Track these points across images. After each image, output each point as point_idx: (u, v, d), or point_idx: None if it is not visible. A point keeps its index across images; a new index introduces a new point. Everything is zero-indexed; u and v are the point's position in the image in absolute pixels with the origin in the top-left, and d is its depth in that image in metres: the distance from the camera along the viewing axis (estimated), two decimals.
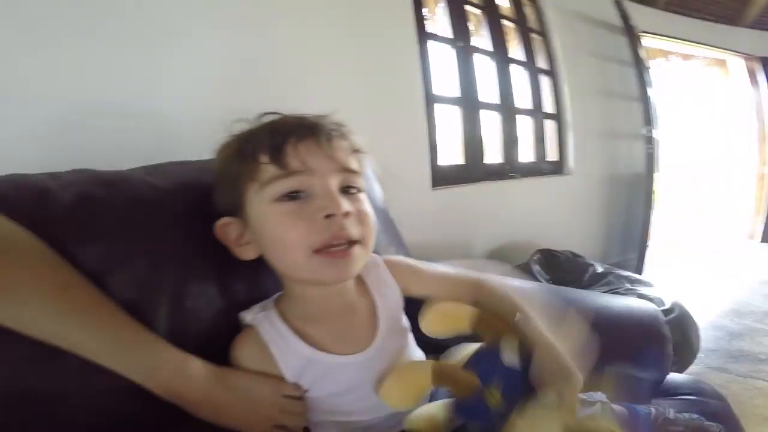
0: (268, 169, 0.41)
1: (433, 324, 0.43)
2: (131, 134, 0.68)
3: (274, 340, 0.44)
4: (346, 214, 0.41)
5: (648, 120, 1.95)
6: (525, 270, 1.41)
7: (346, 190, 0.44)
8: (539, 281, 1.40)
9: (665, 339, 0.65)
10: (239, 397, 0.42)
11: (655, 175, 1.98)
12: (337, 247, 0.41)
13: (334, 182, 0.42)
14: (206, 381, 0.40)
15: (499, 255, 1.49)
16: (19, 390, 0.37)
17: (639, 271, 1.88)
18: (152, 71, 0.73)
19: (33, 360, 0.37)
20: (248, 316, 0.46)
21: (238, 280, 0.49)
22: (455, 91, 1.42)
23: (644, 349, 0.63)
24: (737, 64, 3.08)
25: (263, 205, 0.42)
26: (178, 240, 0.46)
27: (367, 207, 0.45)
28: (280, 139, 0.42)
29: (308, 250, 0.40)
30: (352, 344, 0.46)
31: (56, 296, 0.36)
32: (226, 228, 0.45)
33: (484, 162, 1.49)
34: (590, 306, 0.66)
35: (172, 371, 0.39)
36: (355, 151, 0.46)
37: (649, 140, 1.95)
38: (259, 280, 0.50)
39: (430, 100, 1.30)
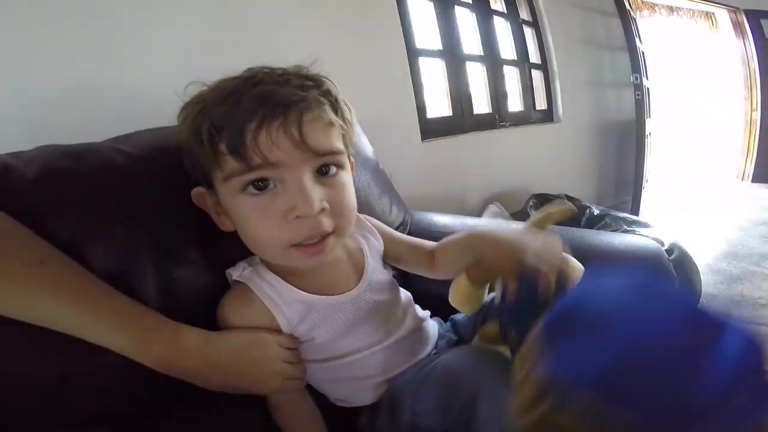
0: (229, 161, 0.37)
1: (456, 300, 0.49)
2: (105, 109, 0.67)
3: (266, 292, 0.43)
4: (321, 211, 0.39)
5: (635, 67, 1.95)
6: (522, 216, 1.43)
7: (324, 170, 0.40)
8: None
9: (671, 277, 0.60)
10: (241, 357, 0.40)
11: (647, 121, 1.99)
12: (311, 241, 0.39)
13: (307, 173, 0.38)
14: (203, 347, 0.38)
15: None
16: (10, 377, 0.35)
17: (635, 213, 1.90)
18: (119, 40, 0.71)
19: (21, 343, 0.34)
20: (235, 273, 0.45)
21: (224, 241, 0.45)
22: (438, 44, 1.42)
23: None
24: (723, 16, 3.06)
25: (230, 195, 0.39)
26: (155, 205, 0.44)
27: (346, 192, 0.42)
28: (239, 123, 0.36)
29: (281, 246, 0.39)
30: (344, 284, 0.47)
31: (28, 273, 0.33)
32: (203, 197, 0.43)
33: (473, 113, 1.49)
34: (592, 243, 0.65)
35: (166, 343, 0.37)
36: (335, 122, 0.40)
37: (638, 87, 1.95)
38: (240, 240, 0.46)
39: (413, 53, 1.30)
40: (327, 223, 0.39)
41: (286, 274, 0.45)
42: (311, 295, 0.44)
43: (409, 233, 0.75)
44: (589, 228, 1.53)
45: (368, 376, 0.46)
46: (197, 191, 0.43)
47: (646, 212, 2.03)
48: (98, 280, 0.36)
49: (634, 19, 2.12)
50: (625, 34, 1.96)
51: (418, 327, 0.51)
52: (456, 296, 0.50)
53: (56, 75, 0.65)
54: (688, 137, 3.71)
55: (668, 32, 3.27)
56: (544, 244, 0.41)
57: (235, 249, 0.45)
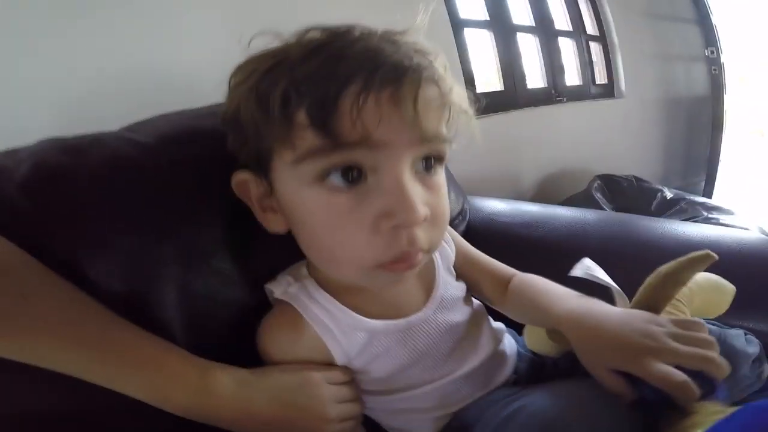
0: (308, 136, 0.27)
1: (533, 346, 0.42)
2: (128, 95, 0.58)
3: (319, 318, 0.34)
4: (423, 220, 0.29)
5: (711, 41, 1.76)
6: (586, 198, 1.28)
7: (426, 164, 0.31)
8: (603, 210, 1.27)
9: None
10: (285, 404, 0.32)
11: (725, 97, 1.79)
12: (402, 261, 0.30)
13: (409, 164, 0.29)
14: (237, 393, 0.30)
15: (551, 183, 1.37)
16: (32, 412, 0.29)
17: (708, 195, 1.69)
18: (141, 22, 0.64)
19: (41, 380, 0.27)
20: (278, 289, 0.36)
21: (265, 245, 0.37)
22: (484, 15, 1.31)
23: None
24: None
25: (298, 185, 0.29)
26: (174, 206, 0.34)
27: (445, 197, 0.33)
28: (335, 87, 0.26)
29: (366, 265, 0.30)
30: (411, 304, 0.38)
31: (5, 310, 0.26)
32: (247, 185, 0.33)
33: (527, 87, 1.37)
34: (693, 240, 0.52)
35: (192, 389, 0.29)
36: (449, 104, 0.30)
37: (714, 61, 1.76)
38: (289, 242, 0.35)
39: (458, 24, 1.20)
40: (423, 238, 0.30)
41: (341, 292, 0.35)
42: (374, 321, 0.35)
43: (469, 224, 0.65)
44: (661, 213, 1.35)
45: (434, 407, 0.37)
46: (240, 177, 0.33)
47: (719, 194, 1.80)
48: (105, 313, 0.28)
49: None
50: (697, 5, 1.78)
51: (496, 350, 0.41)
52: (532, 343, 0.41)
53: (80, 63, 0.58)
54: (763, 114, 3.32)
55: (738, 5, 2.96)
56: (682, 336, 0.29)
57: (279, 255, 0.37)
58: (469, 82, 1.22)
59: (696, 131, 1.90)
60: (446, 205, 0.33)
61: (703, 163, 1.80)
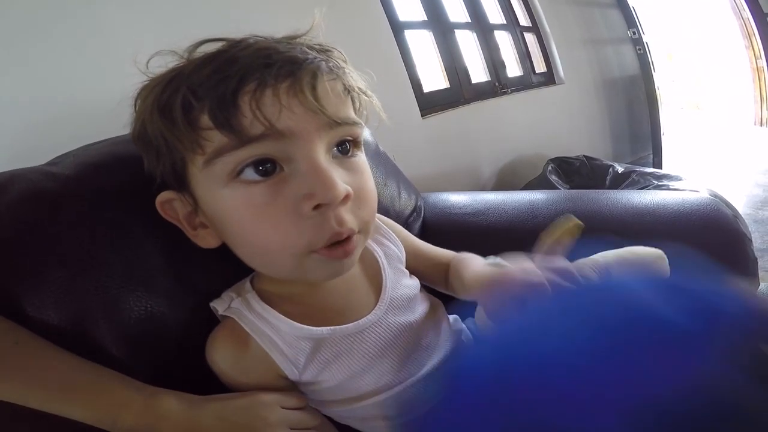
0: (214, 137, 0.28)
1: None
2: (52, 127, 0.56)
3: (261, 330, 0.33)
4: (345, 198, 0.29)
5: (631, 22, 1.87)
6: (542, 182, 1.31)
7: (341, 148, 0.31)
8: (558, 189, 1.30)
9: (744, 238, 0.47)
10: (232, 424, 0.31)
11: (654, 75, 1.90)
12: (338, 246, 0.30)
13: (323, 148, 0.29)
14: (183, 414, 0.30)
15: (508, 172, 1.39)
16: None
17: (658, 167, 1.78)
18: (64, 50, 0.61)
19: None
20: (221, 306, 0.35)
21: (201, 262, 0.37)
22: (422, 15, 1.33)
23: (723, 255, 0.45)
24: None
25: (215, 187, 0.29)
26: (98, 233, 0.34)
27: (369, 177, 0.33)
28: (232, 85, 0.27)
29: (298, 251, 0.30)
30: (360, 307, 0.37)
31: (3, 354, 0.28)
32: (172, 205, 0.33)
33: (472, 82, 1.40)
34: (642, 206, 0.52)
35: (139, 412, 0.29)
36: (351, 90, 0.31)
37: (637, 41, 1.87)
38: (230, 258, 0.36)
39: (398, 27, 1.21)
40: (351, 219, 0.30)
41: (284, 302, 0.35)
42: (318, 328, 0.34)
43: (425, 219, 0.64)
44: (616, 187, 1.41)
45: (398, 414, 0.35)
46: (164, 197, 0.33)
47: (668, 165, 1.90)
48: (71, 356, 0.30)
49: None
50: None
51: (455, 346, 0.40)
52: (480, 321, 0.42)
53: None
54: (697, 89, 3.59)
55: None
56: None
57: (222, 272, 0.37)
58: (415, 83, 1.22)
59: (635, 109, 1.99)
60: (371, 185, 0.33)
61: (648, 137, 1.89)
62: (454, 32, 1.40)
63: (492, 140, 1.38)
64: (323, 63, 0.29)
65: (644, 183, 1.35)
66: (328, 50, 0.32)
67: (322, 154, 0.29)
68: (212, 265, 0.37)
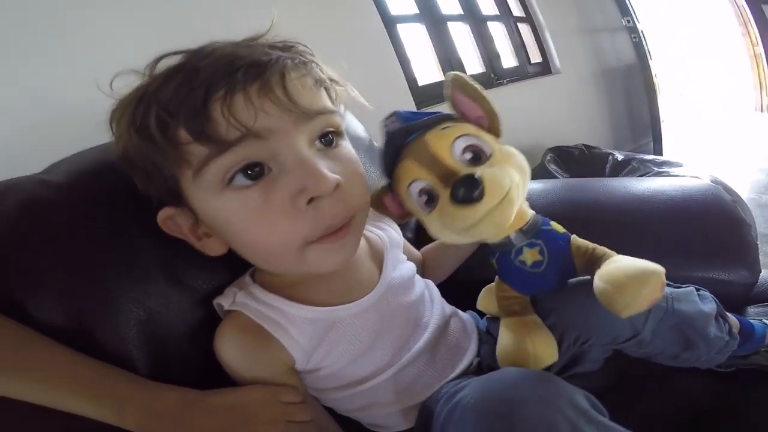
0: (195, 150, 0.28)
1: (488, 303, 0.41)
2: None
3: (269, 316, 0.34)
4: (337, 188, 0.30)
5: (624, 10, 1.85)
6: (541, 171, 1.30)
7: (325, 140, 0.32)
8: (557, 178, 1.28)
9: (743, 223, 0.46)
10: (230, 421, 0.31)
11: (651, 63, 1.88)
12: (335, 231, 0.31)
13: (305, 142, 0.30)
14: (183, 411, 0.31)
15: None
16: None
17: (658, 154, 1.76)
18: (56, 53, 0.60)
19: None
20: (226, 301, 0.35)
21: (201, 262, 0.37)
22: (413, 9, 1.32)
23: (722, 241, 0.46)
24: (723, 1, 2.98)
25: (210, 197, 0.30)
26: (93, 238, 0.34)
27: (356, 163, 0.34)
28: (200, 96, 0.27)
29: (298, 245, 0.31)
30: (363, 285, 0.38)
31: None
32: (174, 220, 0.33)
33: (466, 74, 1.38)
34: (641, 194, 0.51)
35: (142, 408, 0.30)
36: (322, 82, 0.32)
37: (632, 30, 1.85)
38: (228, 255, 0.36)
39: (390, 21, 1.20)
40: (344, 208, 0.31)
41: (288, 288, 0.35)
42: (325, 308, 0.35)
43: None
44: (615, 175, 1.39)
45: (396, 400, 0.36)
46: (165, 214, 0.33)
47: (669, 152, 1.88)
48: (75, 354, 0.30)
49: None
50: None
51: (450, 328, 0.40)
52: (486, 304, 0.41)
53: None
54: (696, 76, 3.56)
55: None
56: None
57: (221, 270, 0.38)
58: (409, 76, 1.21)
59: (633, 96, 1.97)
60: (360, 170, 0.34)
61: (648, 125, 1.87)
62: (446, 24, 1.39)
63: None
64: (288, 60, 0.30)
65: (644, 170, 1.33)
66: (291, 46, 0.32)
67: (305, 148, 0.30)
68: (209, 263, 0.36)
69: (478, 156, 0.32)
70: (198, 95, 0.27)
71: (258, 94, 0.28)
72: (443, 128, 0.33)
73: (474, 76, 1.41)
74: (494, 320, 0.41)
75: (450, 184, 0.30)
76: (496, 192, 0.29)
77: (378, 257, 0.40)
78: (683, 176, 1.20)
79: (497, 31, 1.59)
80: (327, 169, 0.29)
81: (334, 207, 0.30)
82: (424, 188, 0.32)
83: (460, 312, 0.43)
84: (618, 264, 0.30)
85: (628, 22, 1.86)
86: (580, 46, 1.88)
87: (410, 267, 0.42)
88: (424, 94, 1.22)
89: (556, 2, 1.81)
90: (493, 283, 0.39)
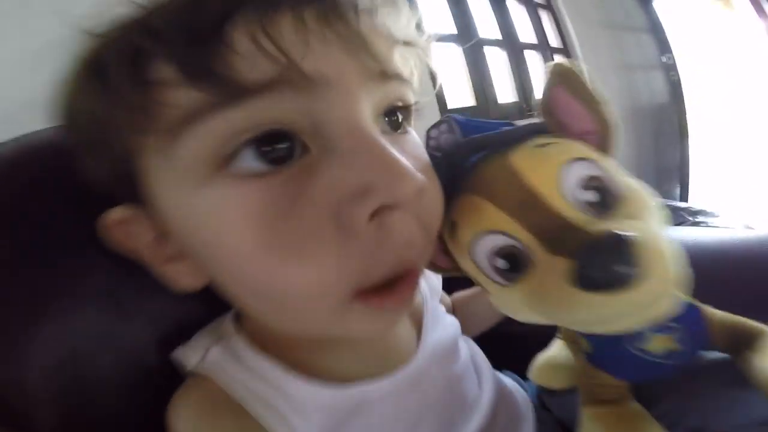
0: (179, 97, 0.16)
1: (548, 376, 0.31)
2: None
3: (260, 396, 0.22)
4: (417, 194, 0.18)
5: (665, 47, 1.80)
6: None
7: (392, 119, 0.20)
8: None
9: None
10: None
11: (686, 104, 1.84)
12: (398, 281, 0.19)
13: (369, 109, 0.18)
14: None
15: None
16: None
17: (684, 201, 1.70)
18: None
19: None
20: (191, 358, 0.24)
21: (155, 290, 0.24)
22: (451, 29, 1.28)
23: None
24: None
25: (187, 188, 0.18)
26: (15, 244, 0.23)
27: (426, 159, 0.22)
28: (215, 9, 0.16)
29: (344, 295, 0.18)
30: (399, 354, 0.26)
31: None
32: (127, 229, 0.21)
33: (498, 102, 1.33)
34: (705, 248, 0.44)
35: None
36: (411, 42, 0.21)
37: (671, 67, 1.81)
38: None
39: None
40: (421, 232, 0.20)
41: (288, 349, 0.24)
42: (348, 386, 0.23)
43: None
44: None
45: None
46: (113, 218, 0.21)
47: (695, 199, 1.82)
48: None
49: (651, 0, 2.02)
50: (647, 13, 1.84)
51: (502, 406, 0.30)
52: (545, 375, 0.32)
53: None
54: (727, 120, 3.50)
55: (686, 16, 3.14)
56: None
57: (188, 305, 0.26)
58: (439, 97, 1.16)
59: (661, 138, 1.92)
60: (434, 173, 0.22)
61: (674, 170, 1.81)
62: (483, 48, 1.34)
63: None
64: None
65: (678, 219, 1.27)
66: None
67: (370, 122, 0.18)
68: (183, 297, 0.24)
69: (604, 197, 0.20)
70: (213, 8, 0.16)
71: (317, 20, 0.17)
72: (539, 146, 0.21)
73: (505, 105, 1.35)
74: (552, 393, 0.33)
75: (566, 248, 0.18)
76: (658, 268, 0.17)
77: (414, 311, 0.29)
78: (719, 227, 1.14)
79: (533, 61, 1.54)
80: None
81: (409, 228, 0.18)
82: (505, 247, 0.20)
83: (506, 379, 0.34)
84: None
85: (668, 59, 1.82)
86: (614, 81, 1.83)
87: (453, 323, 0.32)
88: None
89: (595, 35, 1.77)
90: (556, 352, 0.31)
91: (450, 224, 0.22)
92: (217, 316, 0.27)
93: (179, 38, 0.16)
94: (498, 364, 0.35)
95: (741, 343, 0.24)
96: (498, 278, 0.21)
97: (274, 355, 0.23)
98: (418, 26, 0.22)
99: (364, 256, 0.17)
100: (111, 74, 0.17)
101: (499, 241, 0.20)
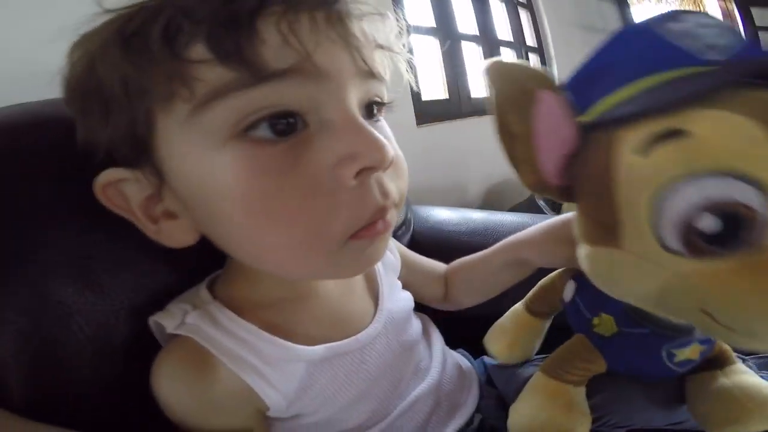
0: (211, 73, 0.20)
1: (504, 345, 0.37)
2: None
3: (235, 352, 0.25)
4: (390, 163, 0.23)
5: None
6: (530, 206, 1.31)
7: (368, 111, 0.25)
8: (546, 215, 1.30)
9: None
10: None
11: None
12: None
13: (355, 99, 0.23)
14: None
15: (496, 192, 1.38)
16: None
17: None
18: None
19: None
20: (170, 322, 0.26)
21: (144, 252, 0.27)
22: (430, 22, 1.30)
23: None
24: (712, 4, 3.03)
25: (205, 149, 0.21)
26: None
27: (396, 146, 0.27)
28: (249, 4, 0.20)
29: (335, 242, 0.22)
30: (357, 318, 0.31)
31: None
32: (121, 188, 0.24)
33: (471, 97, 1.38)
34: None
35: None
36: (394, 49, 0.25)
37: None
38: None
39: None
40: (394, 189, 0.24)
41: (261, 311, 0.27)
42: (313, 347, 0.27)
43: (414, 233, 0.61)
44: None
45: None
46: (108, 177, 0.23)
47: None
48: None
49: (628, 5, 2.08)
50: (624, 17, 1.91)
51: (447, 375, 0.35)
52: (503, 341, 0.37)
53: None
54: None
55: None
56: None
57: (181, 266, 0.28)
58: (414, 91, 1.19)
59: None
60: (400, 153, 0.26)
61: None
62: (460, 43, 1.37)
63: (484, 158, 1.36)
64: (364, 6, 0.23)
65: None
66: None
67: (356, 108, 0.23)
68: (151, 256, 0.27)
69: None
70: (248, 2, 0.20)
71: (326, 21, 0.21)
72: None
73: (478, 100, 1.39)
74: (501, 368, 0.37)
75: None
76: None
77: (371, 283, 0.34)
78: None
79: (507, 58, 1.59)
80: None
81: (385, 186, 0.23)
82: (733, 204, 0.14)
83: (456, 354, 0.39)
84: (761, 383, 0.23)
85: None
86: None
87: (408, 297, 0.37)
88: (426, 110, 1.21)
89: (570, 36, 1.82)
90: (510, 318, 0.36)
91: (652, 138, 0.16)
92: (189, 287, 0.29)
93: (218, 24, 0.19)
94: (453, 342, 0.41)
95: (714, 362, 0.25)
96: (674, 243, 0.15)
97: (249, 320, 0.27)
98: (400, 34, 0.26)
99: (351, 205, 0.22)
100: (149, 46, 0.20)
101: (734, 191, 0.14)
